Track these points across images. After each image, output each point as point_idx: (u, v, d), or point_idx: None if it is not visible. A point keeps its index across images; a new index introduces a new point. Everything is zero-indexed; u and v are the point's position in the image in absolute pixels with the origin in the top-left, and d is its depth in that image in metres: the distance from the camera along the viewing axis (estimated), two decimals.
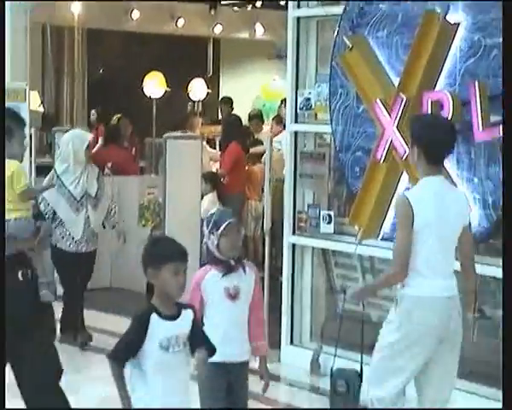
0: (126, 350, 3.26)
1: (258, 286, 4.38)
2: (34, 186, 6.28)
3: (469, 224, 4.56)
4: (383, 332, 4.68)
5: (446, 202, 4.35)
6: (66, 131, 8.07)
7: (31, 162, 8.54)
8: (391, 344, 4.52)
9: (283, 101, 10.19)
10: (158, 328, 3.27)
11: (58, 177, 6.69)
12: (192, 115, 12.35)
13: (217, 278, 4.04)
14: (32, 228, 4.63)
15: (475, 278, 4.73)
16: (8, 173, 4.50)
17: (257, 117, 11.23)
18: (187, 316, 3.40)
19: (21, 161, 4.90)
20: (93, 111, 12.36)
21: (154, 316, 3.26)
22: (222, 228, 4.03)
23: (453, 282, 4.44)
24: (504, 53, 2.28)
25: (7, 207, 4.44)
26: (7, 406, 3.96)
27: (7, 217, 4.45)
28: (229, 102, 12.40)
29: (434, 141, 4.41)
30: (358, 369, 5.64)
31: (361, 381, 5.56)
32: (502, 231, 1.60)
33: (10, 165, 4.50)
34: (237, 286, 4.00)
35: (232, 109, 12.00)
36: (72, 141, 6.69)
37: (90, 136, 7.26)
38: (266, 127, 11.03)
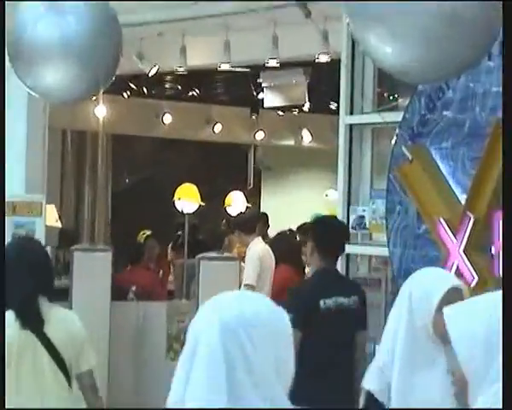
0: None
1: None
2: None
3: None
4: None
5: None
6: (87, 249, 7.79)
7: None
8: None
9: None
10: None
11: None
12: (229, 233, 10.91)
13: None
14: None
15: None
16: None
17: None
18: None
19: None
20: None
21: None
22: None
23: None
24: (504, 54, 2.61)
25: None
26: None
27: None
28: (264, 217, 11.16)
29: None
30: None
31: None
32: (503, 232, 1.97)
33: None
34: None
35: (268, 227, 10.93)
36: None
37: None
38: None
